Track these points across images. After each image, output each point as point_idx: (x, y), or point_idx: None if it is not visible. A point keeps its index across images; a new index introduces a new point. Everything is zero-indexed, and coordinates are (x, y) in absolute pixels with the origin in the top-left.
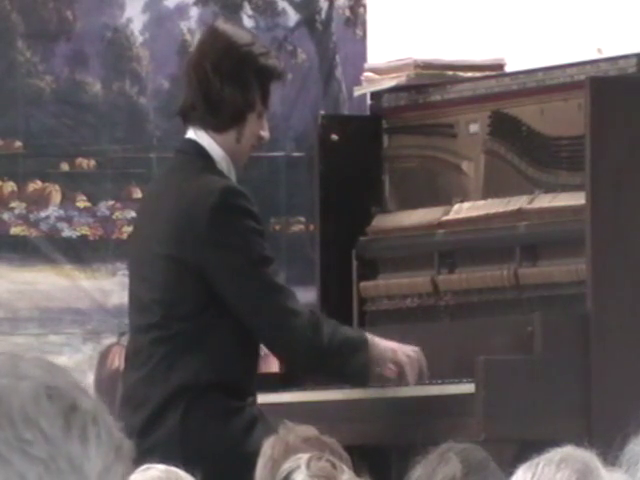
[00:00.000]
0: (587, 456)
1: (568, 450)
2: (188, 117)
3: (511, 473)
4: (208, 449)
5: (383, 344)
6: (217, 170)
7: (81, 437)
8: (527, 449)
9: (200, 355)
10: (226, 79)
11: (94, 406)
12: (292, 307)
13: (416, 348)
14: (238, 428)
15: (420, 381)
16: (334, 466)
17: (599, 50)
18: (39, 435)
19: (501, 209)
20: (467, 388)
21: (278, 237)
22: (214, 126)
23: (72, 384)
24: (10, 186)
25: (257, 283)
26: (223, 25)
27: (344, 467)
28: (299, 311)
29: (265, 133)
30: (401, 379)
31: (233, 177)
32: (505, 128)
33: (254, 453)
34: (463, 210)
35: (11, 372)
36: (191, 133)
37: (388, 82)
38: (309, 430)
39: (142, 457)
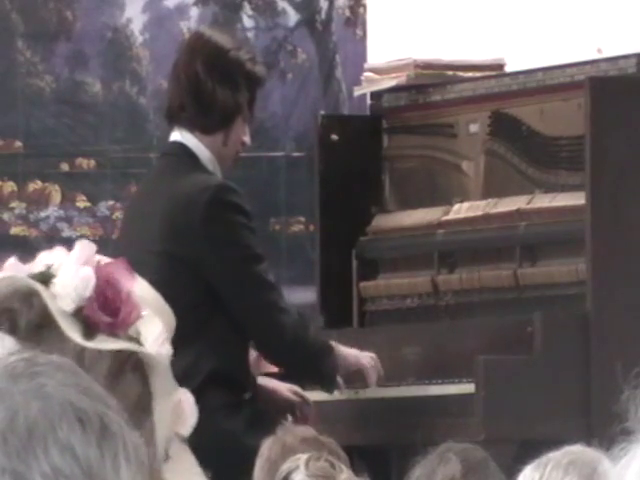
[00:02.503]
0: (596, 458)
1: (577, 451)
2: (175, 118)
3: (511, 473)
4: (207, 446)
5: (345, 351)
6: (205, 169)
7: (114, 464)
8: (527, 449)
9: (195, 350)
10: (217, 80)
11: (118, 422)
12: (281, 305)
13: (373, 355)
14: (238, 427)
15: (373, 384)
16: (333, 466)
17: (599, 50)
18: (75, 466)
19: (501, 209)
20: (467, 388)
21: (278, 237)
22: (202, 127)
23: (94, 396)
24: (10, 186)
25: (248, 279)
26: (209, 30)
27: (343, 467)
28: (287, 309)
29: (247, 139)
30: (364, 382)
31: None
32: (505, 128)
33: (254, 449)
34: (463, 210)
35: (33, 391)
36: (177, 135)
37: (388, 82)
38: (307, 430)
39: None
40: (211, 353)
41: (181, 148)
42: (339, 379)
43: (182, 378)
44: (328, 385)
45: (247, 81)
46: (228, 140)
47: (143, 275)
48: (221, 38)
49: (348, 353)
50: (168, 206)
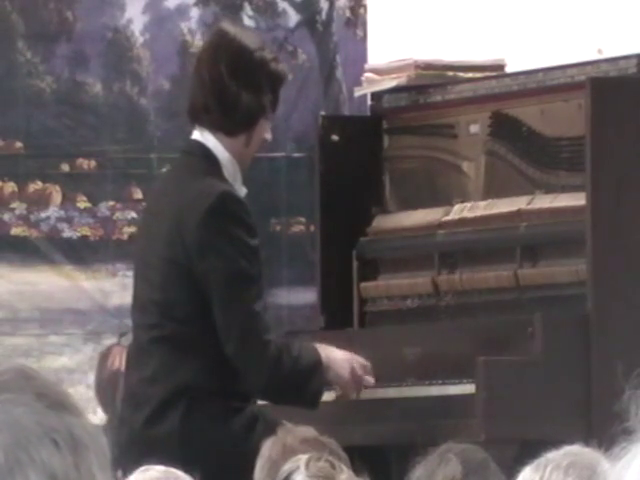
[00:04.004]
0: (595, 459)
1: (576, 452)
2: (198, 118)
3: (512, 474)
4: (208, 449)
5: (338, 368)
6: (221, 173)
7: (89, 476)
8: (527, 449)
9: (200, 358)
10: (242, 83)
11: (84, 427)
12: (259, 338)
13: (367, 364)
14: (238, 428)
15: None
16: (333, 466)
17: (599, 51)
18: None
19: (501, 210)
20: (467, 389)
21: (278, 237)
22: (226, 129)
23: (58, 404)
24: (11, 187)
25: (235, 301)
26: (232, 28)
27: (343, 467)
28: (265, 343)
29: (268, 135)
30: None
31: (239, 179)
32: (505, 129)
33: (254, 453)
34: (463, 211)
35: (3, 420)
36: (197, 134)
37: (388, 83)
38: (308, 431)
39: (142, 456)
40: (214, 365)
41: (200, 148)
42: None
43: (188, 384)
44: (310, 406)
45: (271, 82)
46: (251, 141)
47: (151, 279)
48: (245, 37)
49: (338, 369)
50: (174, 212)
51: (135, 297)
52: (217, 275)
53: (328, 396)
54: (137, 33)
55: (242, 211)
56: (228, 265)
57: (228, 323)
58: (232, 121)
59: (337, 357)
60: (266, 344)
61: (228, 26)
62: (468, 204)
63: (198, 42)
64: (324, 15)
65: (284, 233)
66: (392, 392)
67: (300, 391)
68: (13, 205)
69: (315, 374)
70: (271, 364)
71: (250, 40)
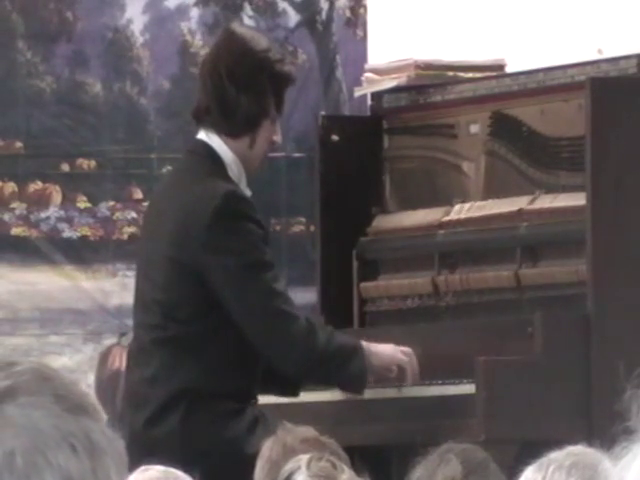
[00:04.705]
0: (597, 459)
1: (579, 452)
2: (202, 120)
3: (512, 474)
4: (208, 450)
5: (379, 350)
6: (225, 174)
7: None
8: (527, 449)
9: (202, 360)
10: (241, 86)
11: (102, 431)
12: (288, 312)
13: (409, 349)
14: (239, 429)
15: (414, 382)
16: (334, 466)
17: (600, 51)
18: None
19: (502, 210)
20: (467, 389)
21: (278, 238)
22: (228, 131)
23: (76, 408)
24: (11, 187)
25: (254, 287)
26: (240, 29)
27: (344, 467)
28: (295, 316)
29: (278, 138)
30: (400, 380)
31: (244, 180)
32: (506, 129)
33: (254, 454)
34: (464, 211)
35: (23, 424)
36: (202, 134)
37: (389, 83)
38: (308, 431)
39: (142, 457)
40: (216, 368)
41: (205, 148)
42: (375, 377)
43: (189, 386)
44: (353, 388)
45: (274, 83)
46: (254, 143)
47: (155, 278)
48: (251, 38)
49: (382, 351)
50: (179, 212)
51: (137, 296)
52: (229, 271)
53: (329, 396)
54: (137, 33)
55: (248, 208)
56: (240, 259)
57: (248, 310)
58: (232, 124)
59: (377, 345)
60: (293, 317)
61: (237, 27)
62: (468, 204)
63: (198, 42)
64: (324, 15)
65: (284, 233)
66: (392, 392)
67: (343, 367)
68: (13, 205)
69: (357, 352)
70: (304, 334)
71: (255, 42)
